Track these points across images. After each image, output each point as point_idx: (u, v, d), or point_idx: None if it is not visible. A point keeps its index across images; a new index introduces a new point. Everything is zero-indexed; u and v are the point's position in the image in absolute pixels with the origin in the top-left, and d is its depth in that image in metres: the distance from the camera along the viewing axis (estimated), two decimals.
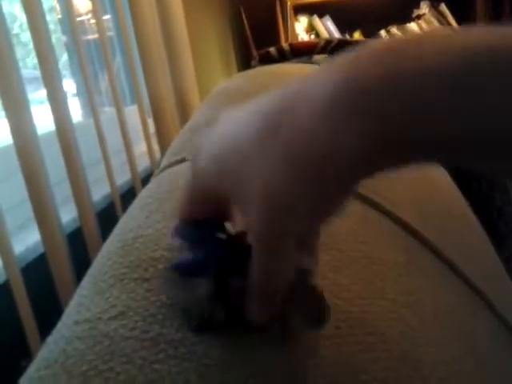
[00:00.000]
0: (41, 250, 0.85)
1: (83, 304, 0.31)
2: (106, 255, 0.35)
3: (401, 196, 0.52)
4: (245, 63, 2.83)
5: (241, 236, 0.27)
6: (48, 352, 0.29)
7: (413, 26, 3.07)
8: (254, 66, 1.18)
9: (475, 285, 0.51)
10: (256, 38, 2.79)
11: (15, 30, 1.37)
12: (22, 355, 0.58)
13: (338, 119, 0.20)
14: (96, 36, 1.12)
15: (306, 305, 0.27)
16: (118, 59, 1.62)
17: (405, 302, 0.36)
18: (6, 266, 0.74)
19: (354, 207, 0.45)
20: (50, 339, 0.30)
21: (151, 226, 0.36)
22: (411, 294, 0.38)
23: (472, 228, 0.67)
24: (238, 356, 0.26)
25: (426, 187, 0.60)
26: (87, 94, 1.02)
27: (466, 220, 0.67)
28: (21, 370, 0.29)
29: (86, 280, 0.34)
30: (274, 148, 0.22)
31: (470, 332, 0.44)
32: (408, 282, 0.39)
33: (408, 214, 0.50)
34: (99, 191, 1.07)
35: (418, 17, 3.08)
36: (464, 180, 0.89)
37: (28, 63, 1.38)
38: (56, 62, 0.90)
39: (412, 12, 3.10)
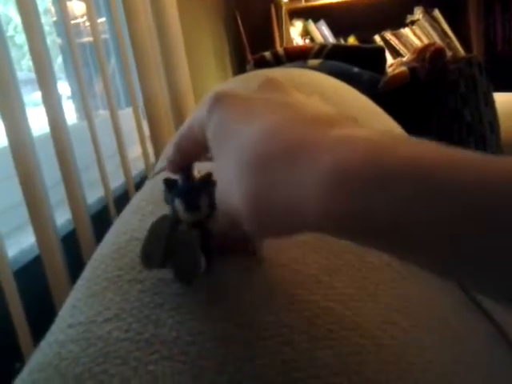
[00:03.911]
0: (35, 252, 0.85)
1: (77, 307, 0.31)
2: (100, 258, 0.35)
3: None
4: (240, 67, 2.83)
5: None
6: (41, 355, 0.29)
7: (407, 31, 3.09)
8: (249, 70, 1.18)
9: (468, 289, 0.51)
10: (251, 42, 2.80)
11: (10, 31, 1.37)
12: (15, 358, 0.58)
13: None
14: (91, 39, 1.12)
15: (181, 256, 0.28)
16: (113, 62, 1.62)
17: (397, 306, 0.36)
18: (0, 268, 0.73)
19: None
20: (43, 342, 0.30)
21: (145, 228, 0.36)
22: (404, 298, 0.39)
23: None
24: (232, 357, 0.26)
25: None
26: (82, 97, 1.02)
27: None
28: (14, 373, 0.29)
29: (80, 283, 0.34)
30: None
31: (463, 336, 0.44)
32: (401, 287, 0.39)
33: None
34: (94, 194, 1.07)
35: (412, 22, 3.10)
36: None
37: (23, 65, 1.37)
38: (51, 64, 0.90)
39: (406, 17, 3.12)
